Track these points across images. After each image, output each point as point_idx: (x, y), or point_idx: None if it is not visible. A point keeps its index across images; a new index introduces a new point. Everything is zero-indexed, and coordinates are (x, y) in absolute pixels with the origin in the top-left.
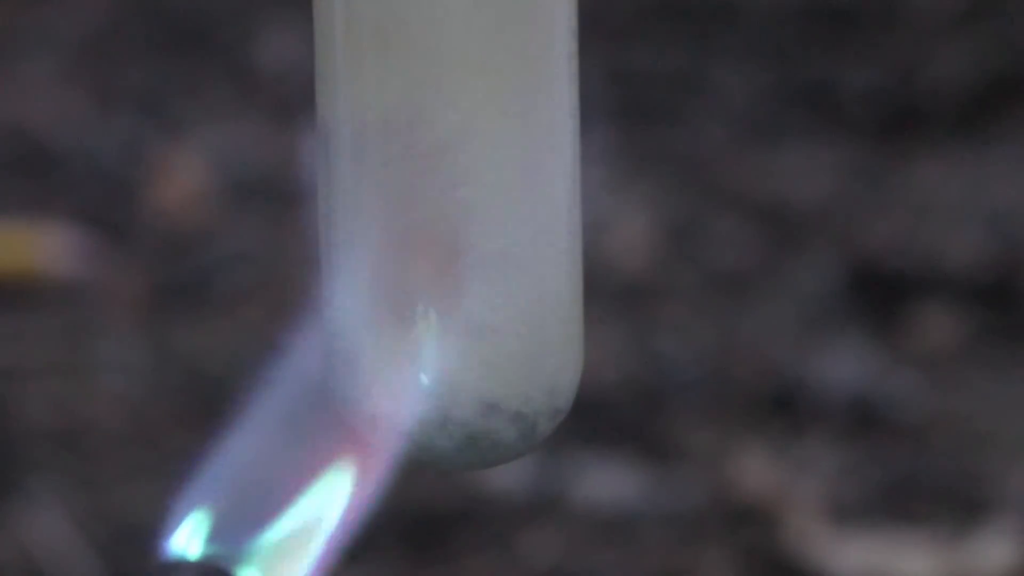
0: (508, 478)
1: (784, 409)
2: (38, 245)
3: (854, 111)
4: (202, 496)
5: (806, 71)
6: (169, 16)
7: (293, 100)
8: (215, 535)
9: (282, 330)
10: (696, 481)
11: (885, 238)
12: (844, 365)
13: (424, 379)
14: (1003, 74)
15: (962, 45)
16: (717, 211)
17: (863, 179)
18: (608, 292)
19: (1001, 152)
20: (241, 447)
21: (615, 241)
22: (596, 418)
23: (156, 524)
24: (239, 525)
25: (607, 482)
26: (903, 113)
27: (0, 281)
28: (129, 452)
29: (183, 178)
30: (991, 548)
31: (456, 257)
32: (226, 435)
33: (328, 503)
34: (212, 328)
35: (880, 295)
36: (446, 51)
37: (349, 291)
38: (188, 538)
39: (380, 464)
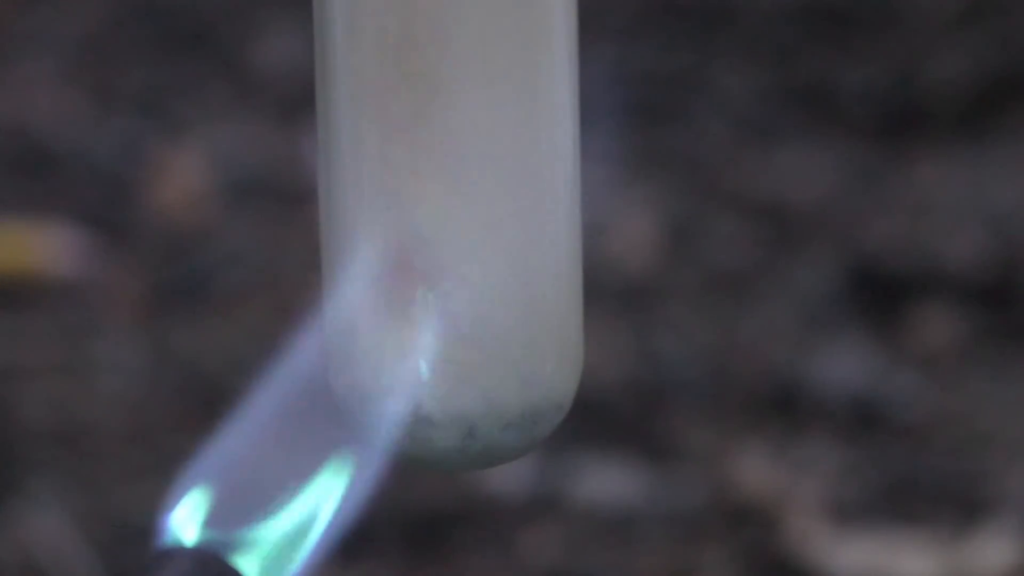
0: (508, 478)
1: (784, 409)
2: (38, 245)
3: (854, 111)
4: (199, 484)
5: (806, 71)
6: (169, 16)
7: (293, 100)
8: (212, 523)
9: (282, 330)
10: (696, 481)
11: (885, 238)
12: (844, 365)
13: (424, 378)
14: (1003, 74)
15: (962, 45)
16: (717, 211)
17: (863, 179)
18: (608, 292)
19: (1001, 152)
20: (240, 437)
21: (616, 241)
22: (596, 418)
23: (156, 524)
24: (236, 513)
25: (607, 482)
26: (903, 113)
27: (0, 281)
28: (129, 452)
29: (183, 178)
30: (991, 548)
31: (456, 255)
32: (225, 426)
33: (325, 496)
34: (212, 328)
35: (880, 295)
36: (446, 49)
37: (349, 289)
38: (185, 525)
39: (377, 460)
